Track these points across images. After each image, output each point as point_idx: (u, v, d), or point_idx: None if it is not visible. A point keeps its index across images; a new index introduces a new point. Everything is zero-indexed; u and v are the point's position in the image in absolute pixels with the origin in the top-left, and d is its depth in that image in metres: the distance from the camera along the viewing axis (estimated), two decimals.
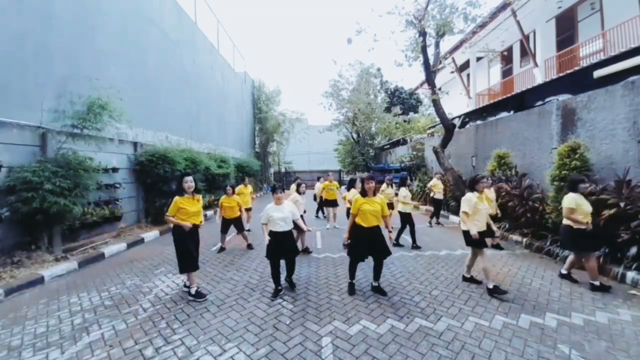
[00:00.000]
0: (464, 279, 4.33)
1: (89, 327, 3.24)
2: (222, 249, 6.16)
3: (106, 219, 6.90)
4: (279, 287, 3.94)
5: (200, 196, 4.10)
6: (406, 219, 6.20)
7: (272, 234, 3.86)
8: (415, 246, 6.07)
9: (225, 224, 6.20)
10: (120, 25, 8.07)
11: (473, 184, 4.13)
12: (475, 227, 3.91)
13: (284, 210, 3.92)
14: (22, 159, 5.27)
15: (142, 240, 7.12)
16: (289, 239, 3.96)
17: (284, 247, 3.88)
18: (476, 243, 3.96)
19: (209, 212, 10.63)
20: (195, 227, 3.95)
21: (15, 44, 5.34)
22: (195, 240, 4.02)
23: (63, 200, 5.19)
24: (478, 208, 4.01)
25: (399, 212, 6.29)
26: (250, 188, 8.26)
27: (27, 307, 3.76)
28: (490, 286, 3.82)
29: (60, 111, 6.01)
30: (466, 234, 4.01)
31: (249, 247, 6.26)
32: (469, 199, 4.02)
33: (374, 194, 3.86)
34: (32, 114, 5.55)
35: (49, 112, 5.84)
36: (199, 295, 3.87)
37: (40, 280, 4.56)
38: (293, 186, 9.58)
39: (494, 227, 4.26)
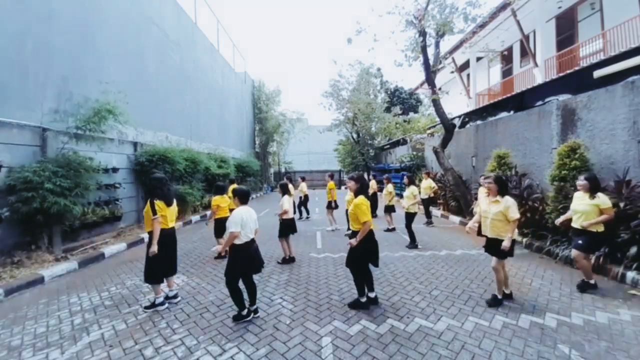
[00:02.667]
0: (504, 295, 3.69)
1: (89, 327, 3.24)
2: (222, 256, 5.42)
3: (106, 219, 6.91)
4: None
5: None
6: (407, 219, 6.27)
7: None
8: (411, 246, 6.13)
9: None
10: (120, 25, 8.07)
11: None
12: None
13: None
14: (22, 159, 5.27)
15: (142, 240, 7.12)
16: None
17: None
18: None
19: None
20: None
21: (15, 43, 5.34)
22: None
23: (63, 200, 5.19)
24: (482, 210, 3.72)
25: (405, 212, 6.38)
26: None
27: (27, 307, 3.76)
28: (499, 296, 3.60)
29: (61, 111, 6.03)
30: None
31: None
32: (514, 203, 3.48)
33: (356, 195, 3.53)
34: (32, 114, 5.55)
35: (49, 112, 5.85)
36: (162, 303, 3.63)
37: (40, 280, 4.56)
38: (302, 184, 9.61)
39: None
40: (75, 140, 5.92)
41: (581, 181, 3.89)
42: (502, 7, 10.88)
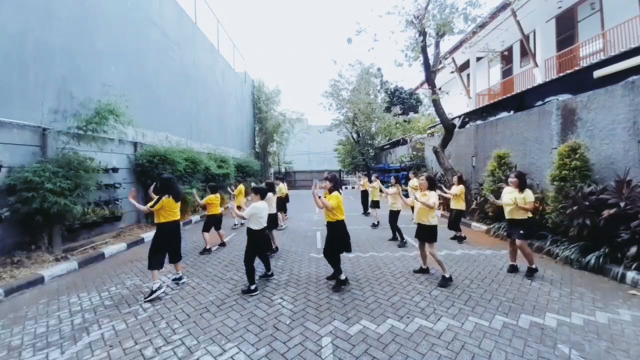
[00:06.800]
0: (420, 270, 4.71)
1: (89, 327, 3.24)
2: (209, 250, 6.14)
3: (106, 219, 6.90)
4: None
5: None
6: (390, 216, 6.60)
7: None
8: (393, 239, 6.66)
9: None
10: (120, 26, 8.07)
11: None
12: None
13: None
14: (22, 159, 5.27)
15: (142, 240, 7.12)
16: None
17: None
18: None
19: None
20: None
21: (16, 43, 5.34)
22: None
23: (63, 200, 5.19)
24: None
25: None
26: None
27: (27, 307, 3.76)
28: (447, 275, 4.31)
29: (61, 111, 6.03)
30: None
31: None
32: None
33: (330, 192, 4.19)
34: (33, 114, 5.55)
35: (49, 112, 5.84)
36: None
37: (40, 280, 4.56)
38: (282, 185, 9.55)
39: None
40: (76, 141, 5.92)
41: (512, 178, 4.55)
42: (502, 7, 10.87)
